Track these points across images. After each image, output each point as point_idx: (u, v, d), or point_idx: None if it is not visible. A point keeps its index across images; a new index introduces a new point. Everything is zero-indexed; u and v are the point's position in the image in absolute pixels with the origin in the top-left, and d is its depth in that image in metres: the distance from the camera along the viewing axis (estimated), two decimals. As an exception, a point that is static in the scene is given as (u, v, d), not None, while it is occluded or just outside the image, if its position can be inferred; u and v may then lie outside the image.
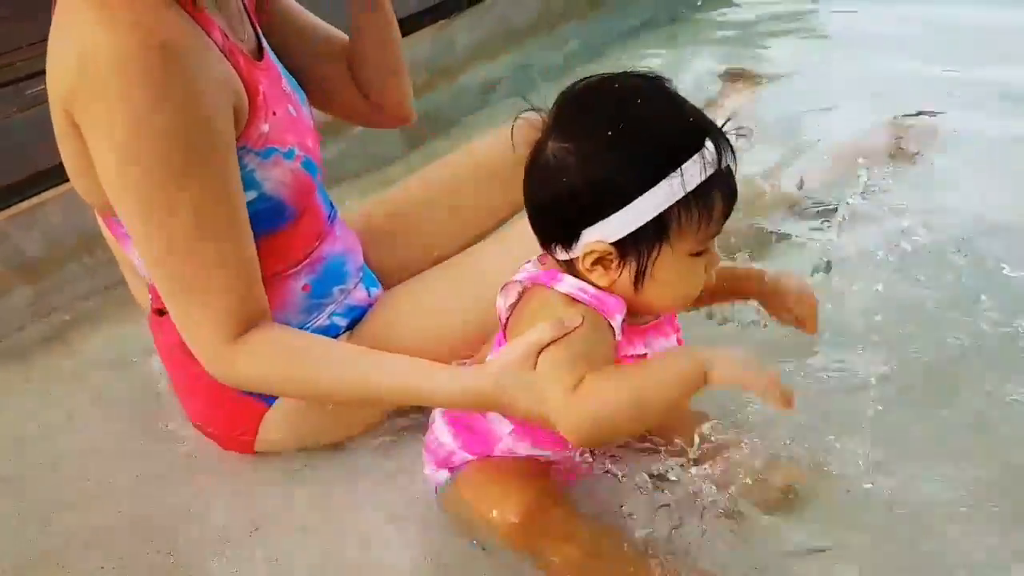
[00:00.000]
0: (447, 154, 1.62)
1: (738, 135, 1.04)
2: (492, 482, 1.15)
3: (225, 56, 1.11)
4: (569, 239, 1.02)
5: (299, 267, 1.28)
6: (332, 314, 1.33)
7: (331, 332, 1.33)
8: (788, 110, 2.25)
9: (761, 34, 2.80)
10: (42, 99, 1.13)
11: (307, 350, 1.15)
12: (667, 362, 1.03)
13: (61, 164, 1.16)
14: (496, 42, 2.55)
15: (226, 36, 1.15)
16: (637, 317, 1.09)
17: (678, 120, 1.00)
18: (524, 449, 1.16)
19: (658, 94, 1.02)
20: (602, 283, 1.03)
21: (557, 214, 1.02)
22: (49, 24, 1.08)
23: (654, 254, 1.00)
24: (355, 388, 1.13)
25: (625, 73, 1.03)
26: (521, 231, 1.34)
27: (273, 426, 1.34)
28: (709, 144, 0.98)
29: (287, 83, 1.29)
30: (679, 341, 1.16)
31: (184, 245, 1.07)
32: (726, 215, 1.02)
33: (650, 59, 2.59)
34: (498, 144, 1.46)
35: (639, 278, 1.01)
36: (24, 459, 1.46)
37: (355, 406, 1.35)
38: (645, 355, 1.09)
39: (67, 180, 1.19)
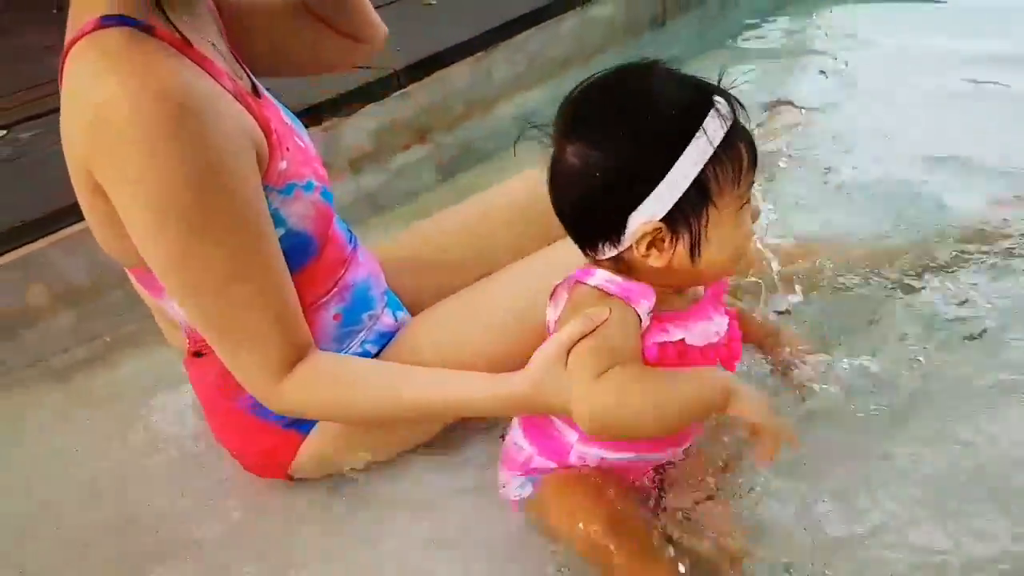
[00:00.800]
0: (480, 185, 1.64)
1: (733, 87, 1.05)
2: (575, 495, 1.15)
3: (237, 100, 1.11)
4: (617, 231, 1.02)
5: (328, 297, 1.29)
6: (363, 342, 1.34)
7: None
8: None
9: (799, 65, 2.80)
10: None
11: (354, 375, 1.17)
12: (694, 377, 1.05)
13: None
14: (532, 74, 2.57)
15: (233, 80, 1.15)
16: (679, 298, 1.11)
17: (683, 86, 1.02)
18: (595, 453, 1.16)
19: (654, 71, 1.04)
20: (660, 264, 1.03)
21: (599, 210, 1.03)
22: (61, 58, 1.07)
23: (703, 218, 1.01)
24: (404, 405, 1.15)
25: (615, 67, 1.05)
26: (542, 258, 1.37)
27: (308, 455, 1.35)
28: (719, 99, 1.00)
29: (285, 115, 1.29)
30: (732, 325, 1.16)
31: (224, 294, 1.08)
32: (754, 164, 1.04)
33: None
34: (527, 183, 1.50)
35: (695, 246, 1.02)
36: (65, 481, 1.47)
37: (407, 423, 1.36)
38: (682, 340, 1.09)
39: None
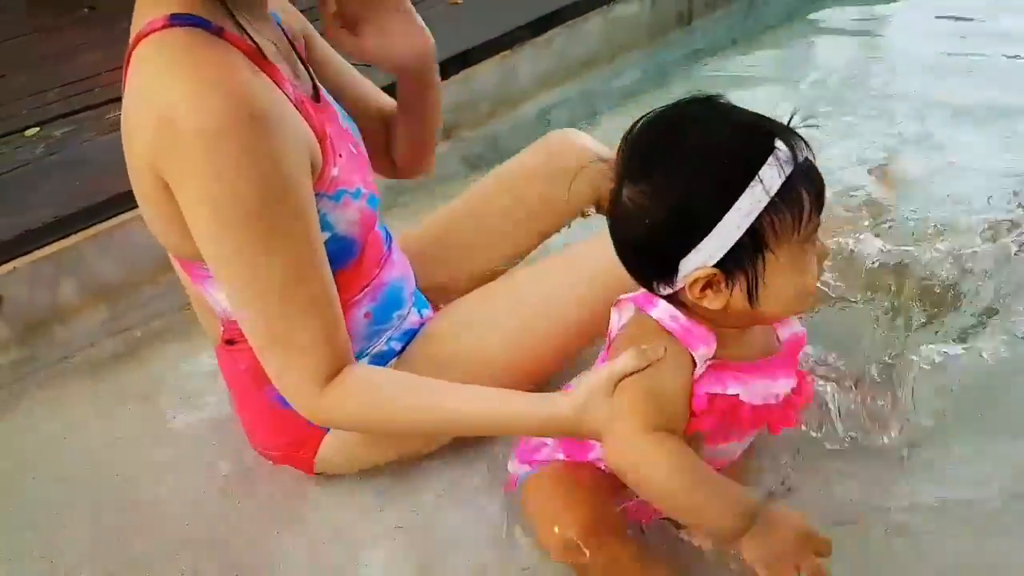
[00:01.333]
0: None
1: (807, 126, 1.00)
2: (559, 494, 1.16)
3: (296, 107, 1.12)
4: (669, 274, 1.00)
5: (361, 295, 1.30)
6: (389, 339, 1.35)
7: (388, 356, 1.35)
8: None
9: (829, 64, 2.78)
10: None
11: (395, 388, 1.17)
12: (722, 494, 1.01)
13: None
14: (558, 72, 2.58)
15: (294, 86, 1.15)
16: (749, 345, 1.07)
17: (742, 130, 0.98)
18: None
19: (715, 111, 1.01)
20: (716, 305, 1.00)
21: (649, 254, 1.02)
22: (126, 52, 1.08)
23: (759, 265, 0.98)
24: (443, 420, 1.15)
25: (677, 102, 1.02)
26: (564, 257, 1.39)
27: (331, 450, 1.36)
28: (780, 144, 0.95)
29: (343, 119, 1.30)
30: (799, 391, 1.12)
31: (276, 300, 1.09)
32: (819, 208, 0.99)
33: (711, 84, 2.59)
34: (530, 161, 1.53)
35: (752, 291, 0.99)
36: (95, 474, 1.49)
37: (443, 436, 1.38)
38: (737, 396, 1.05)
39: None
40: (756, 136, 0.97)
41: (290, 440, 1.36)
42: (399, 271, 1.39)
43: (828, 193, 1.01)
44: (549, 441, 1.22)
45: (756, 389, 1.07)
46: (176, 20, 1.04)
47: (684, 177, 0.97)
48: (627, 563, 1.13)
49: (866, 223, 1.73)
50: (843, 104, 2.43)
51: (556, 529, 1.13)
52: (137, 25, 1.07)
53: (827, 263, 1.10)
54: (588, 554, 1.11)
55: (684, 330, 1.03)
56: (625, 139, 1.03)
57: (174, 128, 1.00)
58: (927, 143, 2.16)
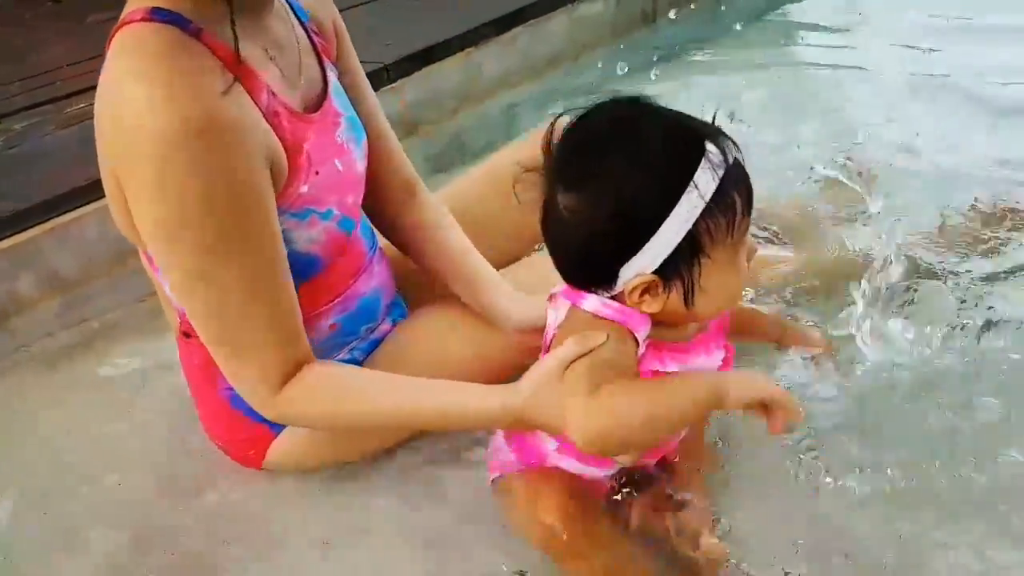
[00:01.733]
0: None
1: (732, 120, 1.02)
2: (534, 486, 1.17)
3: (267, 118, 1.10)
4: (608, 280, 1.01)
5: (328, 306, 1.29)
6: (353, 349, 1.34)
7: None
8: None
9: (793, 62, 2.82)
10: (81, 117, 1.13)
11: (349, 387, 1.17)
12: (683, 382, 1.02)
13: (99, 180, 1.17)
14: (522, 70, 2.60)
15: (273, 94, 1.12)
16: (678, 331, 1.08)
17: (674, 134, 0.98)
18: (571, 466, 1.17)
19: (645, 115, 1.01)
20: (654, 309, 1.01)
21: (588, 262, 1.02)
22: (89, 45, 1.08)
23: (695, 270, 0.98)
24: (399, 415, 1.15)
25: (605, 102, 1.02)
26: (525, 269, 1.40)
27: (280, 450, 1.35)
28: (711, 146, 0.96)
29: (344, 129, 1.26)
30: (727, 361, 1.14)
31: (228, 310, 1.09)
32: (749, 209, 1.00)
33: (676, 82, 2.64)
34: (511, 158, 1.49)
35: (688, 295, 1.00)
36: (52, 466, 1.48)
37: (401, 431, 1.37)
38: (677, 374, 1.07)
39: (103, 196, 1.20)
40: (688, 140, 0.97)
41: (240, 439, 1.36)
42: (378, 282, 1.37)
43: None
44: (508, 451, 1.21)
45: (694, 366, 1.08)
46: (156, 15, 1.03)
47: (622, 187, 0.96)
48: (609, 543, 1.14)
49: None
50: (819, 100, 2.47)
51: (538, 515, 1.14)
52: (126, 10, 1.07)
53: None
54: (567, 537, 1.12)
55: (620, 313, 1.02)
56: (549, 143, 1.01)
57: (127, 132, 1.01)
58: (903, 140, 2.20)
